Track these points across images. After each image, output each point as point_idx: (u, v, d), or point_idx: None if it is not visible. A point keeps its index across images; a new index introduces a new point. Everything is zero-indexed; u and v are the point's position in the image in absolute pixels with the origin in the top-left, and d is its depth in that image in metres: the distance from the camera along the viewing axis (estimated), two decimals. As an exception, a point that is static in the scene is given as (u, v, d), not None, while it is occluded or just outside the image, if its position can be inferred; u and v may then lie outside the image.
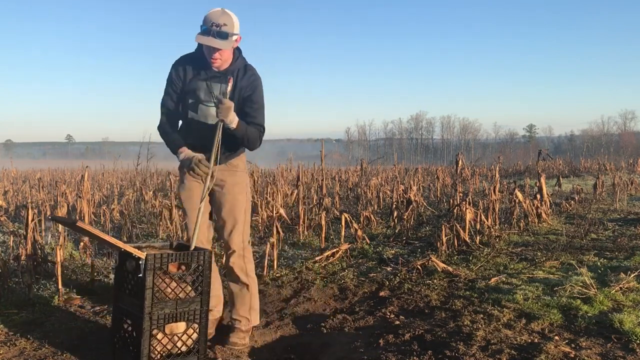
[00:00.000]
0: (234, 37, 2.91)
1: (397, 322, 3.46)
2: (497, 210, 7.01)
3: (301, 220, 6.79)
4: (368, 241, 6.09)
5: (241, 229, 3.20)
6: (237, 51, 3.07)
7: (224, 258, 3.36)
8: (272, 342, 3.30)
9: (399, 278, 4.59)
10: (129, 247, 2.59)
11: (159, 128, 3.13)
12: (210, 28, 2.81)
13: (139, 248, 2.68)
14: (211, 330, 3.25)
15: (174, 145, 3.06)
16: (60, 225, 4.70)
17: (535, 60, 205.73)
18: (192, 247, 2.81)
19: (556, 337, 3.09)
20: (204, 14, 2.89)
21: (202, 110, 3.04)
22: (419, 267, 4.77)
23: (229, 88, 2.98)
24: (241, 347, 3.15)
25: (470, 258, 5.33)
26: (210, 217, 3.30)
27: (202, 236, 3.11)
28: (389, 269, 4.99)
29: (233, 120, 2.90)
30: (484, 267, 4.96)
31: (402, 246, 6.18)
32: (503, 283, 4.37)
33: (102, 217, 8.16)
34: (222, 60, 2.96)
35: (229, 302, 3.36)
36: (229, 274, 3.29)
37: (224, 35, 2.83)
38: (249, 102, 3.05)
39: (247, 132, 3.01)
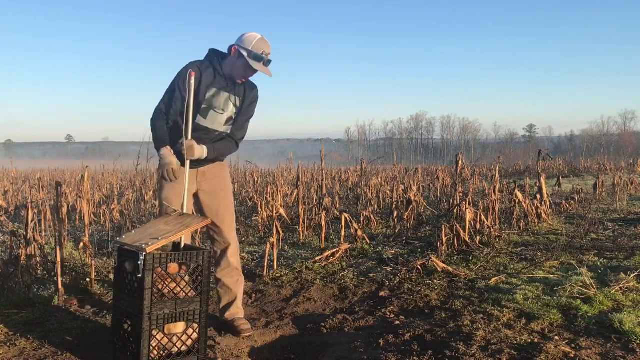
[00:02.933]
0: None
1: (397, 322, 3.46)
2: (497, 210, 7.00)
3: (301, 220, 6.79)
4: (368, 241, 6.09)
5: (235, 224, 3.47)
6: None
7: (219, 254, 3.43)
8: (272, 342, 3.30)
9: (399, 278, 4.59)
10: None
11: (155, 120, 3.18)
12: (262, 56, 3.12)
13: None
14: None
15: (160, 142, 3.15)
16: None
17: (535, 60, 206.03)
18: (182, 246, 2.98)
19: (556, 337, 3.09)
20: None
21: (212, 116, 3.22)
22: (419, 267, 4.77)
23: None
24: (249, 332, 3.30)
25: (470, 258, 5.32)
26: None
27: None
28: (389, 269, 4.99)
29: (202, 154, 3.13)
30: (484, 267, 4.96)
31: (402, 246, 6.18)
32: (503, 283, 4.37)
33: (102, 217, 8.17)
34: None
35: (225, 296, 3.45)
36: (227, 269, 3.41)
37: (269, 63, 3.20)
38: (243, 113, 3.33)
39: (219, 153, 3.28)
